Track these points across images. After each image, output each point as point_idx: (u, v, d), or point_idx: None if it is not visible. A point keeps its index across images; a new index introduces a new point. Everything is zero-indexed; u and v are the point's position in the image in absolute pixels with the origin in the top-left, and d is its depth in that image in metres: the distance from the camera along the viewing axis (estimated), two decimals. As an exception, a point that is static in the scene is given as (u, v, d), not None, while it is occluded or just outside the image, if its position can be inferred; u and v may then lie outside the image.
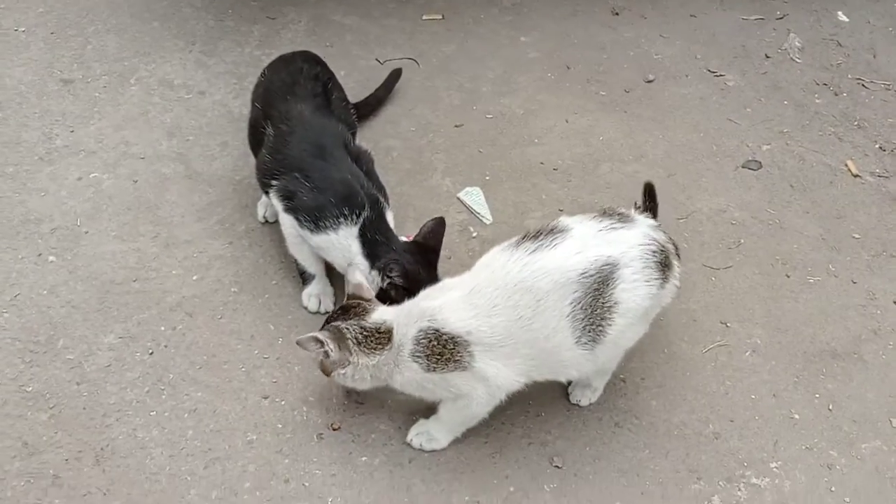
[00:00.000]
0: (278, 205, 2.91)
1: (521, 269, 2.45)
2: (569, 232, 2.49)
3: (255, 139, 3.06)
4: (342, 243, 2.82)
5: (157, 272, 3.10)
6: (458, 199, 3.42)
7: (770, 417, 2.86)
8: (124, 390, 2.79)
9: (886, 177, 3.71)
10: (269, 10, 4.15)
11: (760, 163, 3.71)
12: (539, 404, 2.80)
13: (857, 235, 3.45)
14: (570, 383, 2.81)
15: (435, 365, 2.48)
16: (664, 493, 2.66)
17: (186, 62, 3.86)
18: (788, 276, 3.29)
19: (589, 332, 2.46)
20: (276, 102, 3.00)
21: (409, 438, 2.74)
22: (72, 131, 3.53)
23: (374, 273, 2.80)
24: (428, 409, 2.75)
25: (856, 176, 3.69)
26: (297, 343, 2.51)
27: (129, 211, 3.27)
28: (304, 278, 3.04)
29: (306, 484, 2.62)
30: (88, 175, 3.38)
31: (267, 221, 3.27)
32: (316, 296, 3.03)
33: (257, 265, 3.16)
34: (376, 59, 3.99)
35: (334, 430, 2.75)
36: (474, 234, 3.29)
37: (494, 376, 2.50)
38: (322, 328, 2.57)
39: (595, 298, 2.44)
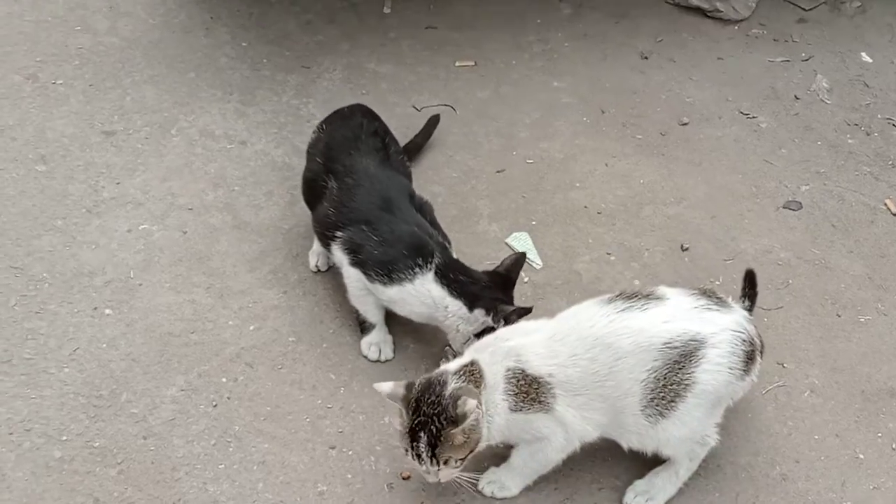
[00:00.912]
0: (343, 258, 2.97)
1: (606, 324, 2.50)
2: (664, 300, 2.54)
3: (314, 193, 3.11)
4: (419, 291, 2.87)
5: (213, 323, 3.13)
6: (507, 244, 3.46)
7: (835, 458, 2.91)
8: (191, 443, 2.82)
9: (925, 215, 3.78)
10: (304, 60, 4.22)
11: (801, 203, 3.78)
12: (606, 449, 2.83)
13: (901, 275, 3.51)
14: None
15: (522, 404, 2.52)
16: (738, 536, 2.69)
17: (226, 112, 3.91)
18: (839, 316, 3.35)
19: (657, 404, 2.51)
20: (339, 157, 3.06)
21: (480, 487, 2.77)
22: (118, 183, 3.56)
23: (478, 312, 2.84)
24: (498, 458, 2.77)
25: (895, 215, 3.76)
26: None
27: (181, 262, 3.31)
28: (363, 328, 3.08)
29: (381, 534, 2.64)
30: (138, 227, 3.41)
31: (319, 270, 3.31)
32: (376, 344, 3.08)
33: (313, 314, 3.20)
34: (413, 107, 4.06)
35: (404, 478, 2.78)
36: (526, 280, 3.35)
37: (572, 422, 2.54)
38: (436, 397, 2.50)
39: (673, 372, 2.48)
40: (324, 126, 3.24)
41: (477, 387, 2.49)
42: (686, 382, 2.50)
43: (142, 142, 3.77)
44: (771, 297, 3.40)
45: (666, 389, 2.50)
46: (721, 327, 2.53)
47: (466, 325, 2.87)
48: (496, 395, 2.52)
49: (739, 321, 2.57)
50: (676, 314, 2.52)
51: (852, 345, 3.25)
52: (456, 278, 2.86)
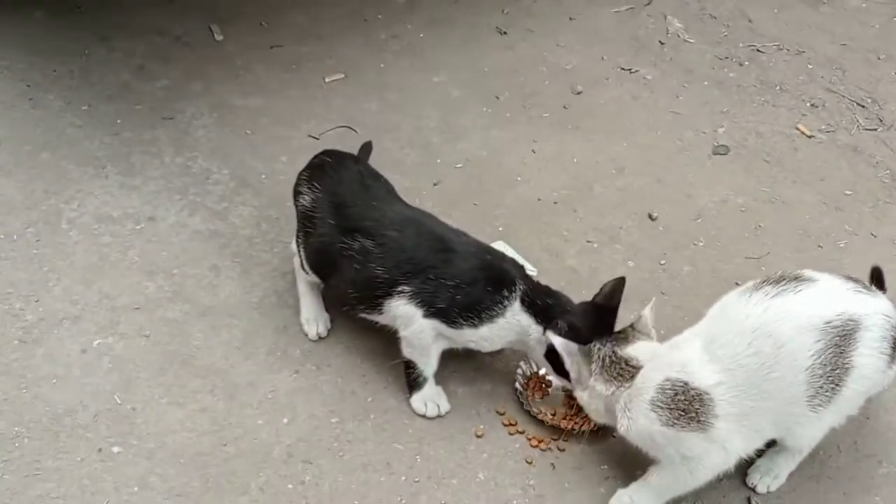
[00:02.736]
0: (413, 312, 2.82)
1: (762, 312, 2.47)
2: (815, 282, 2.54)
3: (329, 260, 2.94)
4: (511, 322, 2.80)
5: (241, 428, 2.89)
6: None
7: None
8: (298, 566, 2.59)
9: (833, 130, 4.12)
10: (161, 110, 3.92)
11: (727, 146, 3.98)
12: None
13: (848, 192, 3.80)
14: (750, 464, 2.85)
15: (676, 421, 2.50)
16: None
17: (111, 189, 3.58)
18: (821, 247, 3.58)
19: (825, 390, 2.50)
20: (361, 213, 2.89)
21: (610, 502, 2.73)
22: (37, 301, 3.18)
23: (550, 332, 2.77)
24: (626, 476, 2.76)
25: (810, 136, 4.05)
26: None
27: (165, 371, 3.02)
28: (416, 384, 2.96)
29: None
30: (91, 344, 3.08)
31: (321, 337, 3.12)
32: (432, 400, 2.97)
33: (340, 387, 3.04)
34: (310, 136, 3.88)
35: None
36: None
37: (735, 440, 2.54)
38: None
39: (836, 355, 2.47)
40: (314, 185, 3.02)
41: (613, 378, 2.61)
42: (847, 366, 2.53)
43: (35, 246, 3.37)
44: (753, 245, 3.57)
45: (831, 375, 2.47)
46: (874, 310, 2.51)
47: (540, 347, 2.84)
48: (641, 399, 2.55)
49: (889, 307, 2.56)
50: (832, 295, 2.54)
51: (847, 271, 3.44)
52: (543, 302, 2.80)
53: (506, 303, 2.79)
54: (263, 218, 3.52)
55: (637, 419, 2.54)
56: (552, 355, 2.81)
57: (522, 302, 2.81)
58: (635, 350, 2.63)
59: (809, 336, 2.46)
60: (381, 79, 4.21)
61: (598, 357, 2.64)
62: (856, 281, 2.63)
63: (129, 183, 3.62)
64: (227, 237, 3.43)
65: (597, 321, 2.79)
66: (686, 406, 2.48)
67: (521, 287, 2.82)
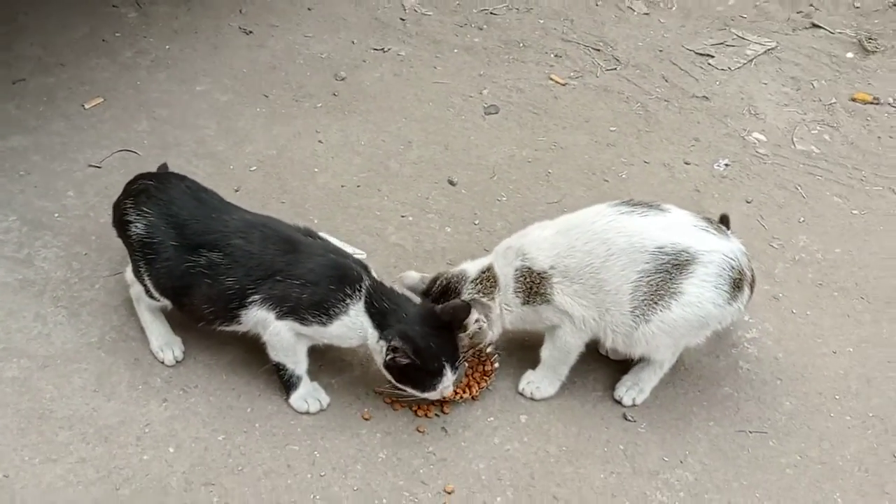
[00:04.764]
0: (266, 316, 2.83)
1: (607, 222, 2.80)
2: (666, 212, 2.84)
3: (181, 281, 2.87)
4: (354, 323, 2.83)
5: (128, 468, 2.82)
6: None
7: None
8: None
9: (581, 76, 4.44)
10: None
11: (496, 105, 4.20)
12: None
13: (613, 128, 4.15)
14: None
15: (530, 299, 2.87)
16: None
17: None
18: (607, 181, 3.88)
19: (643, 307, 2.81)
20: (204, 227, 2.86)
21: (520, 388, 3.06)
22: None
23: (382, 343, 2.82)
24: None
25: (564, 84, 4.35)
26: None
27: (25, 430, 2.89)
28: (290, 384, 2.97)
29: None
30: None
31: (178, 362, 3.07)
32: (311, 396, 2.99)
33: (215, 405, 3.01)
34: (90, 165, 3.75)
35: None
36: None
37: (572, 308, 2.85)
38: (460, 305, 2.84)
39: (663, 279, 2.78)
40: (144, 210, 2.92)
41: (491, 292, 2.90)
42: (672, 291, 2.79)
43: None
44: (551, 191, 3.82)
45: (653, 296, 2.78)
46: (715, 248, 2.77)
47: (378, 355, 2.87)
48: (509, 294, 2.90)
49: (734, 249, 2.80)
50: (674, 225, 2.82)
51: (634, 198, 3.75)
52: (381, 306, 2.83)
53: (349, 301, 2.82)
54: (72, 256, 3.37)
55: (512, 310, 2.91)
56: (391, 369, 2.86)
57: (366, 302, 2.84)
58: (474, 266, 2.98)
59: (639, 256, 2.78)
60: (143, 96, 4.10)
61: (479, 295, 2.90)
62: (709, 221, 2.90)
63: None
64: (41, 284, 3.27)
65: (438, 329, 2.84)
66: (533, 286, 2.87)
67: (366, 286, 2.85)
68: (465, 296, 2.90)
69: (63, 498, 2.72)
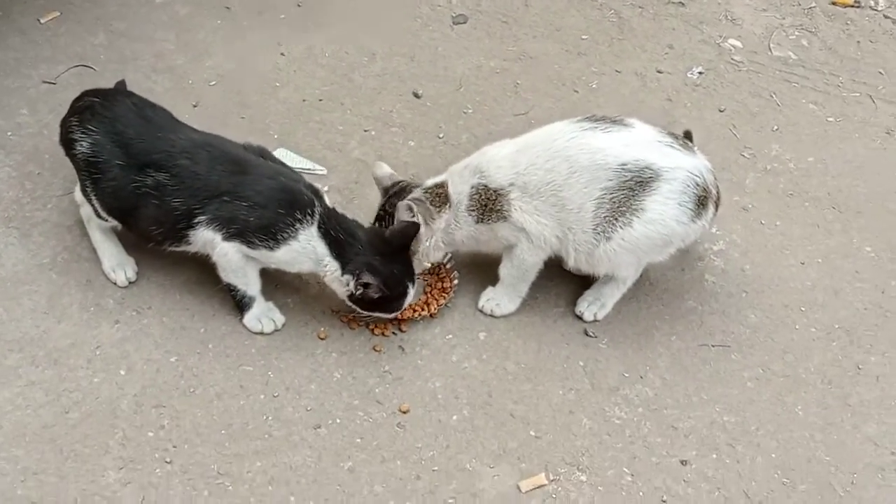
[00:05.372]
0: (213, 237, 2.77)
1: (568, 139, 2.72)
2: (629, 128, 2.75)
3: (126, 200, 2.81)
4: (306, 248, 2.77)
5: (78, 391, 2.80)
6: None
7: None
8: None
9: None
10: None
11: (464, 15, 4.08)
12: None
13: (584, 37, 4.06)
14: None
15: (482, 216, 2.82)
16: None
17: None
18: (577, 91, 3.81)
19: (606, 224, 2.75)
20: (151, 146, 2.79)
21: (480, 305, 3.02)
22: None
23: (347, 277, 2.78)
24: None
25: (535, -8, 4.21)
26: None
27: (-25, 353, 2.81)
28: (244, 305, 2.92)
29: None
30: None
31: (130, 283, 3.02)
32: (265, 316, 2.95)
33: (168, 326, 2.97)
34: (45, 81, 3.65)
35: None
36: (326, 189, 3.29)
37: (530, 225, 2.80)
38: (400, 200, 2.81)
39: (626, 196, 2.71)
40: (89, 128, 2.83)
41: (440, 208, 2.85)
42: (635, 208, 2.73)
43: None
44: (518, 103, 3.73)
45: (616, 213, 2.74)
46: (679, 165, 2.72)
47: (340, 286, 2.83)
48: (461, 212, 2.85)
49: (698, 166, 2.75)
50: (637, 141, 2.74)
51: (604, 109, 3.66)
52: (336, 236, 2.78)
53: (298, 226, 2.76)
54: (24, 176, 3.30)
55: (463, 227, 2.87)
56: (359, 301, 2.84)
57: (319, 228, 2.78)
58: (432, 180, 2.92)
59: (602, 173, 2.72)
60: (100, 10, 3.98)
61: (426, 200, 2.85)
62: (675, 136, 2.82)
63: None
64: (-18, 217, 3.18)
65: (395, 253, 2.83)
66: (486, 202, 2.82)
67: (318, 212, 2.78)
68: (408, 197, 2.84)
69: (11, 421, 2.68)
